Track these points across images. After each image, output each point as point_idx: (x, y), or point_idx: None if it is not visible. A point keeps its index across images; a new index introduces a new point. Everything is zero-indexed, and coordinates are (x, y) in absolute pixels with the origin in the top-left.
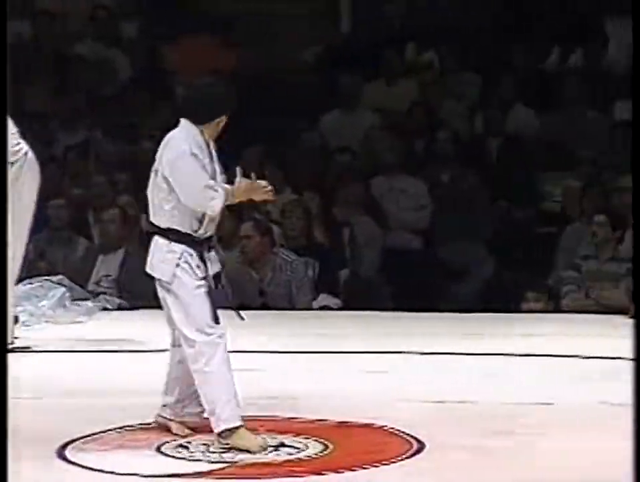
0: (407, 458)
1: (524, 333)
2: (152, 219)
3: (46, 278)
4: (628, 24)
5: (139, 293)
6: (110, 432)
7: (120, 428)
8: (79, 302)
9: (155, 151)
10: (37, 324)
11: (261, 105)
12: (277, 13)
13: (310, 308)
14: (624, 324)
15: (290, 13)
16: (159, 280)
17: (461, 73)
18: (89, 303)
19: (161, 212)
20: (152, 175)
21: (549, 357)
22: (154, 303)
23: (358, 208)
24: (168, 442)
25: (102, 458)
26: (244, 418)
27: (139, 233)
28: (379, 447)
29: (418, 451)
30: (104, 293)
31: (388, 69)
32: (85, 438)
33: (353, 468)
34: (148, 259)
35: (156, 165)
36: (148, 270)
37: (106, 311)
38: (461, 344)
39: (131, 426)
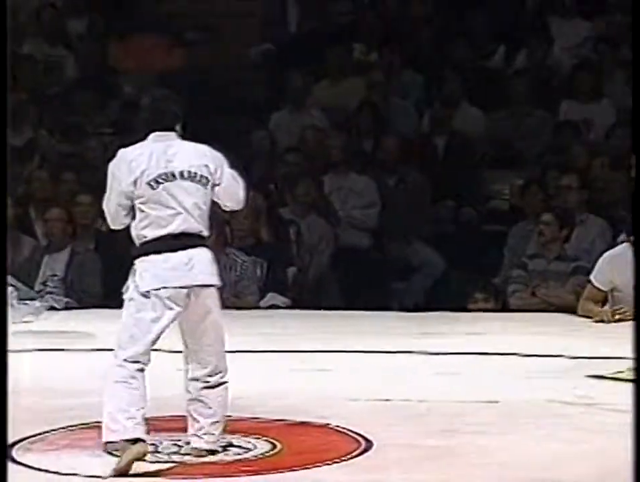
0: (355, 456)
1: (472, 331)
2: (193, 229)
3: None
4: (572, 24)
5: (86, 292)
6: (56, 432)
7: (67, 427)
8: (26, 302)
9: (101, 149)
10: None
11: (209, 104)
12: (225, 12)
13: (259, 307)
14: (571, 322)
15: (238, 11)
16: (212, 287)
17: (408, 72)
18: (36, 303)
19: (206, 221)
20: (191, 185)
21: (496, 356)
22: (102, 302)
23: (307, 207)
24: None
25: (49, 459)
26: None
27: (95, 232)
28: (327, 446)
29: (366, 450)
30: (51, 293)
31: (336, 68)
32: (31, 438)
33: (301, 468)
34: (204, 270)
35: (205, 175)
36: (212, 281)
37: (54, 311)
38: (409, 343)
39: (78, 425)
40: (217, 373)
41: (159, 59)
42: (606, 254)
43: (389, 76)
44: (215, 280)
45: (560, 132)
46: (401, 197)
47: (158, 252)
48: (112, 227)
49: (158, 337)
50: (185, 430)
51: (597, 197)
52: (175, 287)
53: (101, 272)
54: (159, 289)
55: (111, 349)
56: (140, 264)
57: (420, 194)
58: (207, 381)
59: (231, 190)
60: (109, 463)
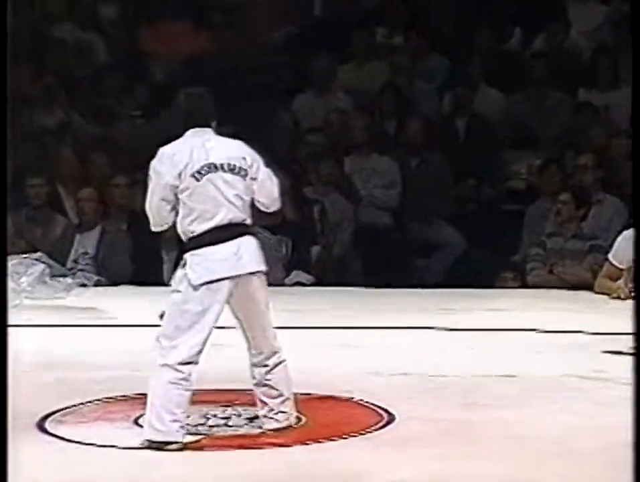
0: (377, 429)
1: (491, 308)
2: (238, 218)
3: (25, 255)
4: (589, 8)
5: (116, 270)
6: (87, 404)
7: (98, 400)
8: (58, 279)
9: (131, 131)
10: (17, 300)
11: (235, 87)
12: None
13: (283, 285)
14: (588, 299)
15: None
16: (263, 272)
17: (430, 55)
18: (68, 279)
19: (249, 211)
20: (232, 177)
21: (514, 331)
22: (131, 279)
23: (330, 186)
24: (144, 415)
25: (81, 431)
26: (218, 391)
27: (129, 213)
28: (351, 419)
29: (388, 423)
30: (83, 270)
31: (360, 51)
32: (64, 411)
33: (325, 440)
34: (252, 258)
35: (244, 167)
36: (260, 267)
37: (85, 287)
38: (430, 319)
39: (108, 398)
40: (273, 355)
41: (186, 44)
42: (625, 233)
43: (413, 60)
44: (262, 267)
45: (578, 114)
46: (422, 178)
47: (208, 245)
48: (154, 228)
49: (209, 333)
50: (212, 402)
51: (614, 177)
52: (225, 278)
53: (131, 251)
54: (211, 282)
55: (140, 325)
56: (191, 257)
57: (441, 175)
58: (267, 365)
59: (267, 186)
60: (139, 435)
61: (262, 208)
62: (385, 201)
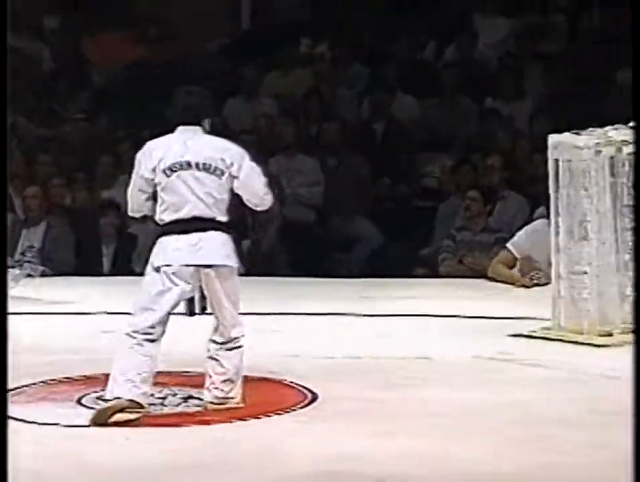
0: (301, 408)
1: (406, 296)
2: (205, 214)
3: None
4: (495, 21)
5: (60, 262)
6: (33, 386)
7: (43, 382)
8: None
9: (75, 134)
10: None
11: (169, 92)
12: (185, 10)
13: None
14: (494, 287)
15: (197, 10)
16: (225, 266)
17: (351, 63)
18: (16, 271)
19: (222, 208)
20: (205, 175)
21: (427, 317)
22: (74, 270)
23: None
24: (87, 395)
25: (27, 410)
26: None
27: (68, 210)
28: (277, 398)
29: (312, 402)
30: (29, 262)
31: (285, 60)
32: (12, 392)
33: (250, 418)
34: (211, 252)
35: (220, 167)
36: (220, 261)
37: (31, 278)
38: (351, 306)
39: (52, 380)
40: (229, 341)
41: (126, 53)
42: (527, 227)
43: (335, 68)
44: (224, 261)
45: (485, 120)
46: (342, 177)
47: (172, 233)
48: (131, 213)
49: (168, 310)
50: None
51: (518, 177)
52: (181, 265)
53: (73, 244)
54: (166, 266)
55: (83, 313)
56: (158, 243)
57: (360, 174)
58: (223, 346)
59: (250, 184)
60: (83, 414)
61: (252, 206)
62: (310, 198)
